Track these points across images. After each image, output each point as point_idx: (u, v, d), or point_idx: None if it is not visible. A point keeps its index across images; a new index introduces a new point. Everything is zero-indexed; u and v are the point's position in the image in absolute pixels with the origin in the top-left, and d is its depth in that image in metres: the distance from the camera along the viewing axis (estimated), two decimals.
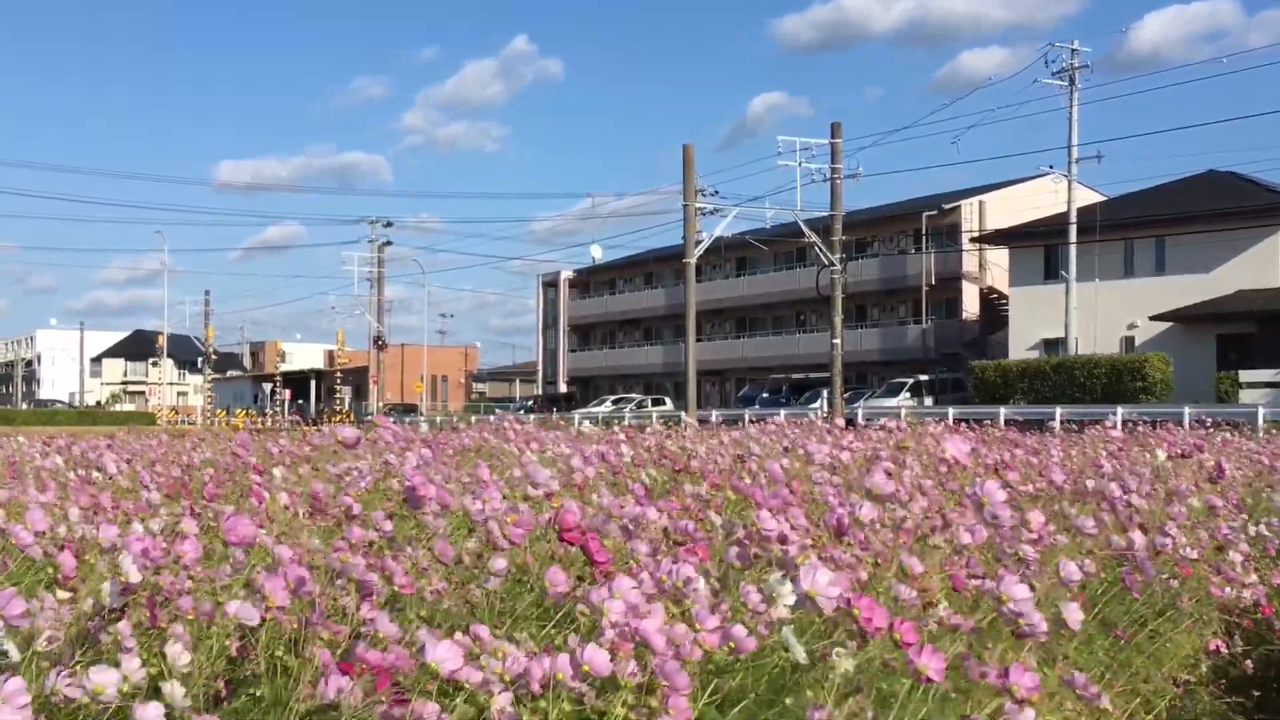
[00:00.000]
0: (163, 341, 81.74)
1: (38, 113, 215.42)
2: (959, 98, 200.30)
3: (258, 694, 2.32)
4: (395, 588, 2.52)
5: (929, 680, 2.10)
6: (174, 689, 1.97)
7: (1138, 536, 3.59)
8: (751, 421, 14.54)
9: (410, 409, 67.82)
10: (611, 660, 1.99)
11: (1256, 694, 4.47)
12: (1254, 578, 4.25)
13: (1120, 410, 27.23)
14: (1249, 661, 4.34)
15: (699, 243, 36.46)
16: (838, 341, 36.27)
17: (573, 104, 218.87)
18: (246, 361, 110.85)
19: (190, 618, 2.27)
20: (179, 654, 2.06)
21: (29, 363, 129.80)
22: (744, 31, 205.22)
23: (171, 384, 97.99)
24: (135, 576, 2.23)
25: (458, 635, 2.12)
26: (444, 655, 2.02)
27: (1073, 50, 41.15)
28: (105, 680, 1.92)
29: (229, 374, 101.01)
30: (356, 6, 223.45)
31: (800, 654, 2.19)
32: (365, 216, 65.24)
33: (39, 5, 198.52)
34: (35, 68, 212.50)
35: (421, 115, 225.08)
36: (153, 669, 2.02)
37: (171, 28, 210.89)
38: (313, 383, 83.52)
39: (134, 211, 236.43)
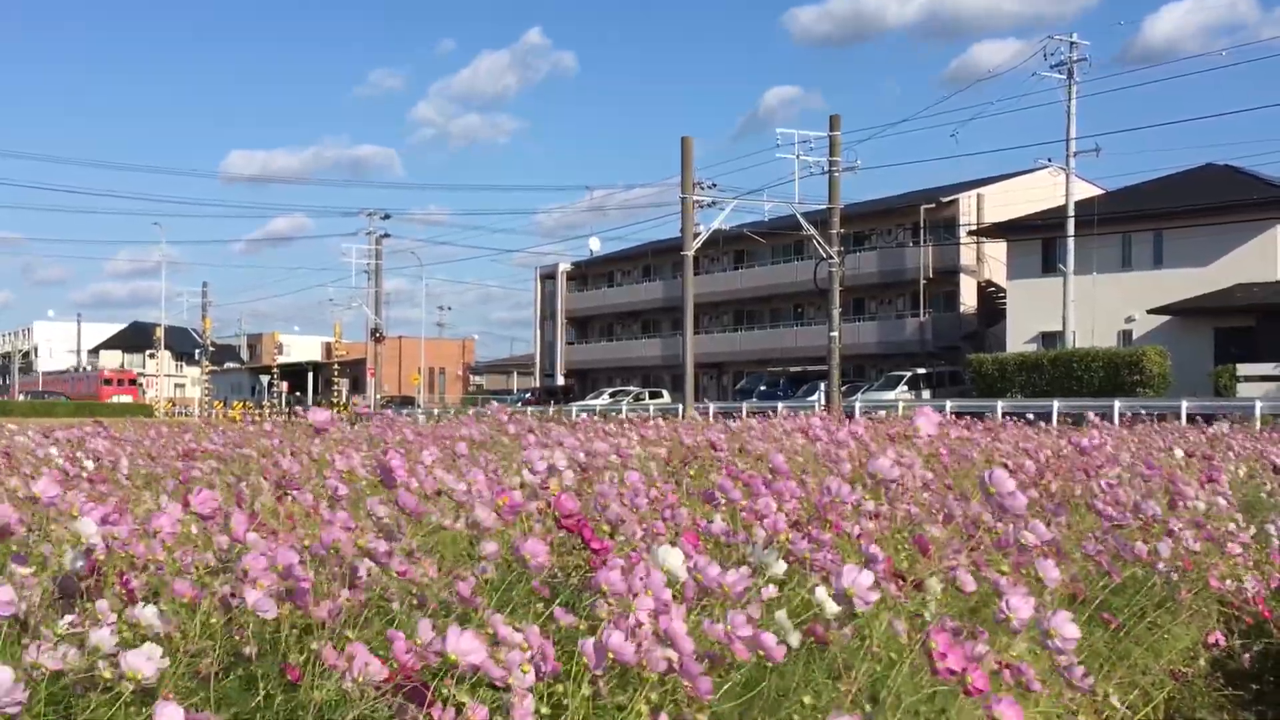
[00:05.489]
0: (160, 333, 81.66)
1: (60, 106, 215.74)
2: (957, 91, 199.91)
3: (252, 672, 2.30)
4: (392, 574, 2.49)
5: (977, 691, 2.06)
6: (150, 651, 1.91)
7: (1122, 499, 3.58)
8: (751, 414, 14.55)
9: (408, 401, 67.82)
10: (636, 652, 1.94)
11: (1255, 687, 4.46)
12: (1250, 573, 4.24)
13: (1118, 403, 27.25)
14: (1247, 655, 4.34)
15: (697, 235, 36.41)
16: (835, 334, 36.23)
17: (586, 97, 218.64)
18: (244, 353, 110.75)
19: (183, 599, 2.26)
20: (150, 617, 2.02)
21: (26, 354, 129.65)
22: (759, 25, 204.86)
23: (169, 376, 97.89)
24: (97, 540, 2.20)
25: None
26: (467, 647, 1.94)
27: (1071, 43, 41.14)
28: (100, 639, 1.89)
29: (226, 366, 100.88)
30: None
31: (794, 637, 2.18)
32: (365, 208, 65.20)
33: None
34: (60, 64, 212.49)
35: (434, 108, 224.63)
36: (125, 633, 1.99)
37: (189, 22, 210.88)
38: (310, 375, 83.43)
39: (141, 204, 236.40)
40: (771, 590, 2.30)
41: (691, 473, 4.98)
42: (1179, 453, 6.92)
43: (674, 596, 2.11)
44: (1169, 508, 4.27)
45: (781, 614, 2.18)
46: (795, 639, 2.20)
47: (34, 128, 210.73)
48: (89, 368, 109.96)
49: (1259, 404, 27.76)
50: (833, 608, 2.12)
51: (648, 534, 3.24)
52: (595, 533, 2.81)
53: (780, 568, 2.29)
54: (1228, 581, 4.09)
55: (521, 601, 2.80)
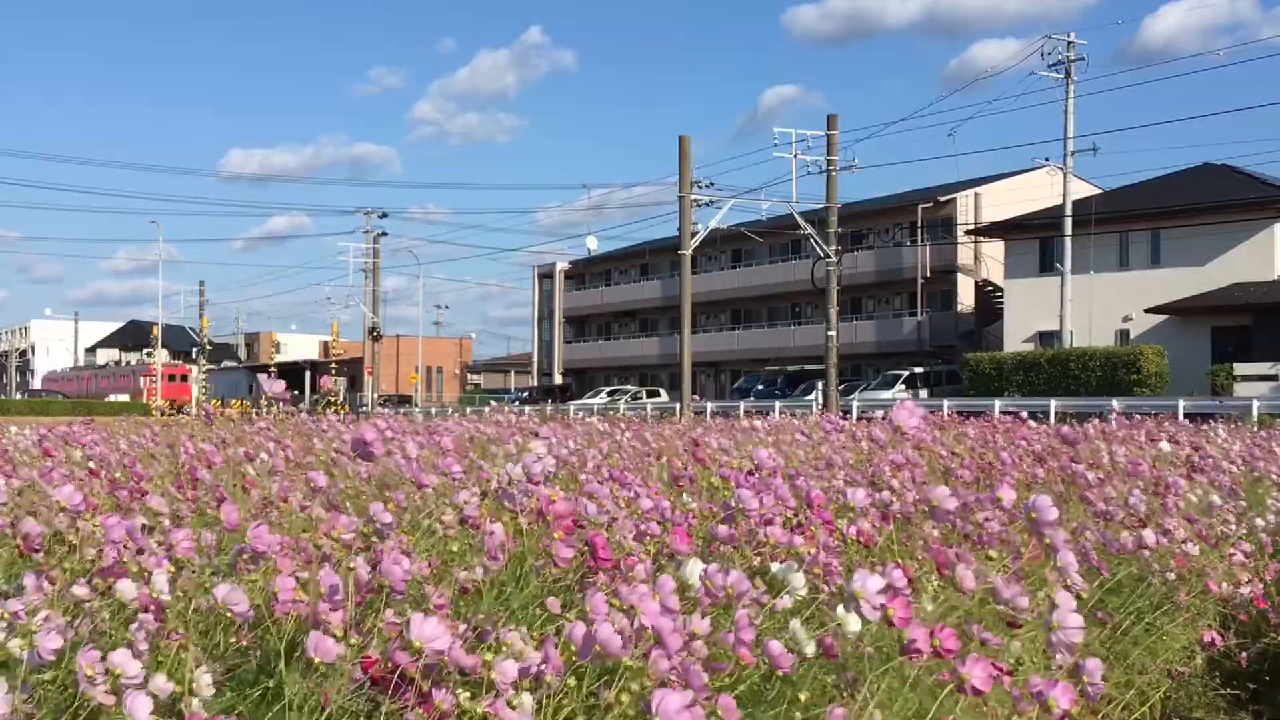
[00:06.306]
0: (157, 332, 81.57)
1: (60, 106, 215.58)
2: (956, 90, 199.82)
3: (267, 688, 2.31)
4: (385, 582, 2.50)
5: (975, 691, 2.04)
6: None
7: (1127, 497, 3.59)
8: (748, 413, 14.57)
9: (405, 400, 67.83)
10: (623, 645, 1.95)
11: (1251, 686, 4.47)
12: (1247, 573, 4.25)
13: (1115, 403, 27.25)
14: (1244, 654, 4.34)
15: (694, 234, 36.39)
16: (833, 333, 36.23)
17: (585, 96, 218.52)
18: (241, 352, 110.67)
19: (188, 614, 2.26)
20: (203, 680, 2.03)
21: (23, 353, 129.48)
22: (759, 25, 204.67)
23: None
24: (163, 585, 2.20)
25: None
26: (430, 633, 1.94)
27: (1069, 43, 41.15)
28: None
29: (223, 365, 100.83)
30: None
31: (809, 648, 2.17)
32: (362, 207, 65.22)
33: None
34: (60, 64, 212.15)
35: (434, 106, 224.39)
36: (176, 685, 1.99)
37: (189, 21, 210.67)
38: (307, 374, 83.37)
39: (139, 202, 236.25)
40: (786, 601, 2.29)
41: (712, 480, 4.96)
42: (1166, 446, 6.91)
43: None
44: (1161, 508, 4.29)
45: (796, 623, 2.16)
46: (811, 649, 2.18)
47: (34, 127, 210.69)
48: (131, 361, 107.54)
49: (1256, 404, 27.81)
50: (854, 626, 2.11)
51: (640, 535, 3.23)
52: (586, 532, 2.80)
53: (800, 582, 2.28)
54: (1224, 585, 4.10)
55: (521, 605, 2.79)
